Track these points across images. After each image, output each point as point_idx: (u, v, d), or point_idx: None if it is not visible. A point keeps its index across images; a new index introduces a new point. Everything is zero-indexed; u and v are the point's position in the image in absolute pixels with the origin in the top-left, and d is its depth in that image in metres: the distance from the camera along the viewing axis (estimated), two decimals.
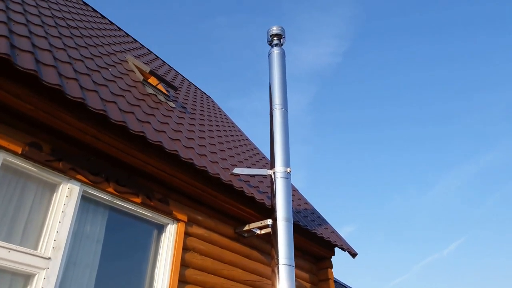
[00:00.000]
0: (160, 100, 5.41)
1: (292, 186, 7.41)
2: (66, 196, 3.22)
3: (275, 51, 5.67)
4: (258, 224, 4.69)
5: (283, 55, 5.70)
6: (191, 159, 4.08)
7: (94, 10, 7.68)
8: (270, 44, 5.84)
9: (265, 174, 4.86)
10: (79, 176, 3.33)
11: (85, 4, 7.55)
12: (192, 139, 4.92)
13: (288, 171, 4.74)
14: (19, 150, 3.00)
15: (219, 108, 9.81)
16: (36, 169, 3.11)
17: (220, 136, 6.60)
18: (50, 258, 2.97)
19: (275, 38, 5.80)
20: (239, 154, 6.47)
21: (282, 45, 5.82)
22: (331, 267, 6.08)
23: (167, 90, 6.38)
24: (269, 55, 5.73)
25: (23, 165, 3.05)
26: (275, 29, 5.83)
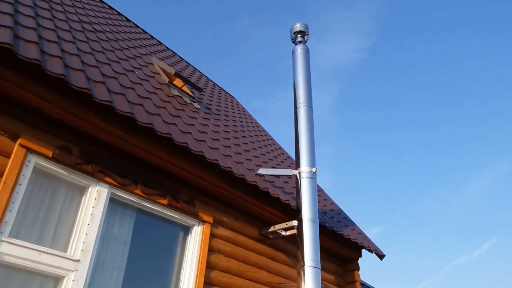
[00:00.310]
0: (185, 101, 5.44)
1: (318, 186, 7.33)
2: (95, 198, 3.27)
3: (299, 48, 5.61)
4: (284, 225, 4.65)
5: (307, 52, 5.63)
6: (216, 160, 4.08)
7: (119, 14, 7.79)
8: (293, 42, 5.78)
9: (290, 174, 4.81)
10: (107, 179, 3.37)
11: (110, 8, 7.67)
12: (217, 140, 4.93)
13: (314, 171, 4.68)
14: (50, 154, 3.06)
15: (243, 109, 9.81)
16: (66, 172, 3.16)
17: (245, 137, 6.59)
18: (79, 260, 3.02)
19: (299, 35, 5.73)
20: (263, 154, 6.45)
21: (306, 42, 5.75)
22: (358, 269, 5.98)
23: (192, 92, 6.41)
24: (293, 53, 5.67)
25: (54, 168, 3.11)
26: (298, 26, 5.76)
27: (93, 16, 5.74)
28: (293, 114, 5.20)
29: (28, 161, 2.96)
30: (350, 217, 6.85)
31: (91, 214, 3.20)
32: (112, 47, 4.95)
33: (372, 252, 6.11)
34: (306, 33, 5.76)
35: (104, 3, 7.59)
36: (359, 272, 5.98)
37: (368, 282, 9.34)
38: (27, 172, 2.94)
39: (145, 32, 8.25)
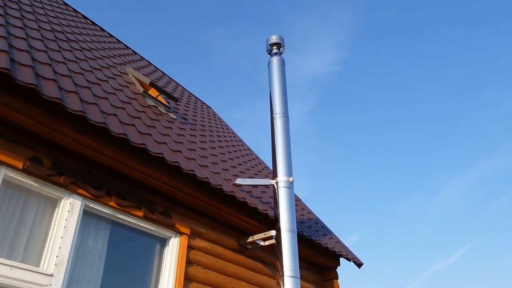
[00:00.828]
0: (160, 111, 5.39)
1: (295, 195, 7.34)
2: (68, 211, 3.17)
3: (275, 60, 5.66)
4: (262, 235, 4.63)
5: (282, 63, 5.68)
6: (192, 170, 4.04)
7: (93, 23, 7.69)
8: (269, 53, 5.83)
9: (268, 184, 4.81)
10: (80, 191, 3.29)
11: (84, 17, 7.57)
12: (194, 150, 4.89)
13: (291, 180, 4.69)
14: (20, 165, 2.96)
15: (219, 118, 9.79)
16: (37, 184, 3.07)
17: (222, 147, 6.57)
18: (52, 274, 2.92)
19: (275, 47, 5.79)
20: (241, 164, 6.43)
21: (281, 54, 5.80)
22: (337, 278, 6.00)
23: (167, 102, 6.36)
24: (268, 64, 5.71)
25: (24, 180, 3.01)
26: (274, 38, 5.82)
27: (66, 25, 5.65)
28: (270, 124, 5.22)
29: None
30: (328, 226, 6.89)
31: (64, 227, 3.10)
32: (86, 56, 4.87)
33: (350, 261, 6.14)
34: (282, 45, 5.83)
35: (78, 12, 7.48)
36: (338, 281, 5.99)
37: None
38: None
39: (119, 41, 8.17)
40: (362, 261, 6.23)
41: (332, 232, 6.65)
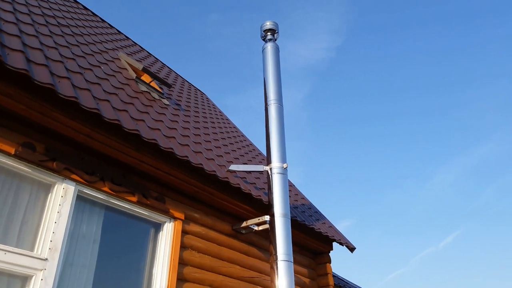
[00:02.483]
0: (153, 97, 5.37)
1: (289, 181, 7.39)
2: (61, 196, 3.18)
3: (269, 46, 5.64)
4: (256, 220, 4.67)
5: (277, 50, 5.66)
6: (186, 156, 4.04)
7: (85, 8, 7.60)
8: (263, 39, 5.81)
9: (262, 170, 4.84)
10: (73, 176, 3.29)
11: (76, 1, 7.47)
12: (187, 136, 4.89)
13: (285, 166, 4.72)
14: (12, 151, 2.95)
15: (213, 105, 9.76)
16: (30, 170, 3.06)
17: (216, 133, 6.57)
18: (47, 259, 2.94)
19: (269, 33, 5.77)
20: (235, 150, 6.44)
21: (276, 40, 5.78)
22: (330, 262, 6.08)
23: (160, 88, 6.33)
24: (263, 50, 5.69)
25: (17, 165, 3.00)
26: (268, 24, 5.79)
27: (57, 10, 5.57)
28: (264, 111, 5.22)
29: None
30: (321, 211, 6.95)
31: (58, 212, 3.11)
32: (78, 41, 4.82)
33: (343, 245, 6.22)
34: (276, 31, 5.80)
35: None
36: (331, 265, 6.08)
37: (340, 274, 9.50)
38: None
39: (111, 26, 8.08)
40: (355, 246, 6.31)
41: (325, 217, 6.72)
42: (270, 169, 4.71)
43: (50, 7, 5.46)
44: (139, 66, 5.62)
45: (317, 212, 6.75)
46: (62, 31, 4.70)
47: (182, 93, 7.83)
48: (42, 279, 2.86)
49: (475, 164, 36.08)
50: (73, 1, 7.34)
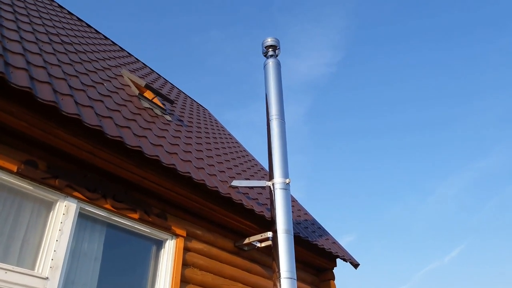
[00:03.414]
0: (156, 113, 5.38)
1: (292, 197, 7.35)
2: (63, 213, 3.16)
3: (271, 62, 5.67)
4: (258, 237, 4.63)
5: (278, 65, 5.70)
6: (188, 172, 4.03)
7: (88, 26, 7.68)
8: (265, 56, 5.85)
9: (264, 185, 4.82)
10: (75, 193, 3.28)
11: (79, 20, 7.56)
12: (190, 152, 4.88)
13: (287, 182, 4.70)
14: (15, 169, 2.95)
15: (215, 120, 9.79)
16: (32, 187, 3.06)
17: (218, 148, 6.57)
18: (47, 278, 2.91)
19: (270, 49, 5.81)
20: (237, 166, 6.43)
21: (277, 56, 5.82)
22: (334, 279, 6.00)
23: (163, 104, 6.35)
24: (264, 66, 5.72)
25: (19, 183, 3.00)
26: (269, 41, 5.84)
27: (60, 28, 5.63)
28: (266, 126, 5.23)
29: None
30: (324, 227, 6.90)
31: (60, 230, 3.09)
32: (80, 59, 4.86)
33: (346, 261, 6.15)
34: (277, 47, 5.85)
35: (73, 14, 7.47)
36: (335, 282, 6.00)
37: None
38: None
39: (114, 43, 8.16)
40: (359, 262, 6.24)
41: (329, 233, 6.66)
42: (273, 184, 4.69)
43: (54, 25, 5.52)
44: (142, 82, 5.65)
45: (320, 227, 6.70)
46: (65, 49, 4.75)
47: (184, 109, 7.85)
48: None
49: (476, 177, 35.92)
50: (76, 19, 7.43)
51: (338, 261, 6.20)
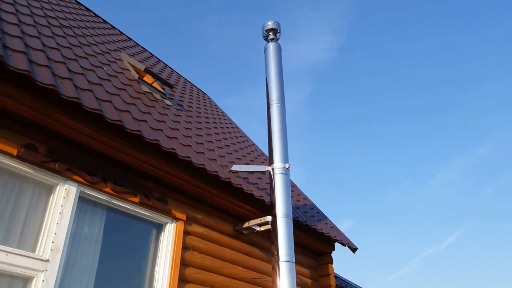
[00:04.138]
0: (156, 98, 5.37)
1: (291, 182, 7.38)
2: (63, 197, 3.18)
3: (271, 46, 5.63)
4: (258, 221, 4.67)
5: (279, 49, 5.65)
6: (188, 157, 4.04)
7: (87, 9, 7.61)
8: (265, 39, 5.80)
9: (264, 170, 4.83)
10: (76, 177, 3.29)
11: (78, 3, 7.48)
12: (190, 136, 4.89)
13: (287, 167, 4.71)
14: (14, 152, 2.96)
15: (216, 105, 9.76)
16: (32, 171, 3.07)
17: (218, 133, 6.57)
18: (48, 260, 2.94)
19: (271, 33, 5.75)
20: (237, 150, 6.44)
21: (278, 39, 5.77)
22: (332, 262, 6.07)
23: (162, 88, 6.33)
24: (265, 50, 5.68)
25: (19, 167, 3.01)
26: (270, 24, 5.78)
27: (59, 11, 5.58)
28: (266, 111, 5.21)
29: None
30: (323, 212, 6.94)
31: (60, 213, 3.11)
32: (80, 42, 4.83)
33: (345, 246, 6.21)
34: (278, 31, 5.79)
35: None
36: (333, 265, 6.06)
37: (342, 275, 9.49)
38: None
39: (114, 27, 8.09)
40: (357, 246, 6.30)
41: (327, 218, 6.71)
42: (272, 169, 4.70)
43: (52, 8, 5.47)
44: (141, 66, 5.62)
45: (319, 212, 6.74)
46: (64, 32, 4.71)
47: (184, 93, 7.83)
48: (43, 280, 2.87)
49: (474, 163, 36.01)
50: (75, 2, 7.35)
51: (337, 245, 6.26)
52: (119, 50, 6.35)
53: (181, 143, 4.30)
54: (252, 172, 5.45)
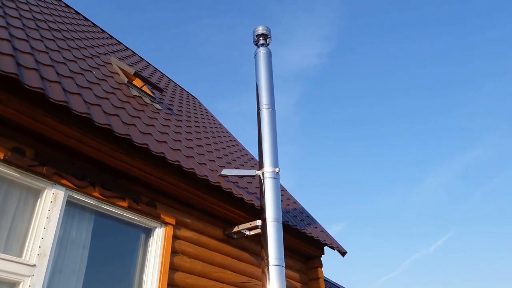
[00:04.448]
0: (145, 102, 5.36)
1: (281, 186, 7.39)
2: (51, 201, 3.15)
3: (261, 51, 5.66)
4: (248, 225, 4.67)
5: (269, 55, 5.68)
6: (178, 161, 4.04)
7: (77, 13, 7.57)
8: (256, 44, 5.82)
9: (254, 174, 4.84)
10: (63, 181, 3.27)
11: (67, 6, 7.44)
12: (179, 141, 4.88)
13: (277, 171, 4.73)
14: (1, 156, 2.93)
15: (206, 110, 9.76)
16: (19, 175, 3.04)
17: (208, 138, 6.56)
18: (35, 265, 2.91)
19: (261, 38, 5.78)
20: (227, 155, 6.44)
21: (268, 45, 5.80)
22: (321, 266, 6.08)
23: (152, 92, 6.31)
24: (255, 55, 5.71)
25: (6, 170, 2.98)
26: (260, 29, 5.81)
27: (48, 14, 5.55)
28: (256, 116, 5.23)
29: None
30: (313, 216, 6.96)
31: (47, 218, 3.08)
32: (69, 46, 4.80)
33: (334, 249, 6.23)
34: (269, 36, 5.82)
35: (61, 1, 7.35)
36: (322, 269, 6.08)
37: (332, 278, 9.51)
38: None
39: (103, 31, 8.06)
40: (346, 250, 6.33)
41: (317, 222, 6.73)
42: (262, 173, 4.71)
43: (41, 11, 5.43)
44: (131, 70, 5.60)
45: (308, 216, 6.76)
46: (53, 35, 4.68)
47: (174, 97, 7.82)
48: (30, 286, 2.83)
49: (464, 167, 36.41)
50: (64, 5, 7.31)
51: (326, 249, 6.28)
52: (109, 54, 6.32)
53: (170, 147, 4.29)
54: (242, 176, 5.45)
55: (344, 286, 9.13)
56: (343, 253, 6.32)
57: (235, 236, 4.84)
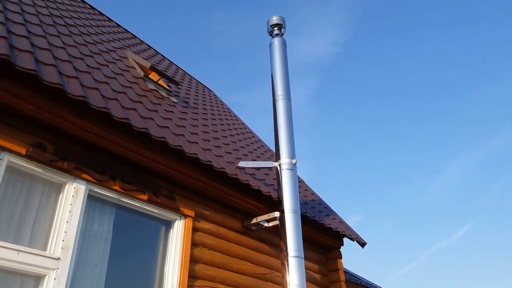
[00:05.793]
0: (162, 95, 5.37)
1: (298, 177, 7.36)
2: (72, 195, 3.20)
3: (276, 41, 5.61)
4: (266, 217, 4.66)
5: (284, 45, 5.63)
6: (195, 154, 4.04)
7: (92, 7, 7.62)
8: (270, 35, 5.77)
9: (271, 166, 4.82)
10: (84, 175, 3.31)
11: (83, 1, 7.49)
12: (196, 133, 4.89)
13: (294, 162, 4.70)
14: (23, 151, 2.97)
15: (221, 102, 9.76)
16: (41, 170, 3.08)
17: (224, 130, 6.56)
18: (59, 258, 2.96)
19: (276, 28, 5.73)
20: (243, 147, 6.43)
21: (282, 35, 5.75)
22: (341, 257, 6.06)
23: (168, 85, 6.33)
24: (270, 46, 5.66)
25: (28, 166, 3.03)
26: (275, 19, 5.75)
27: (64, 10, 5.59)
28: (272, 107, 5.20)
29: (0, 159, 2.87)
30: (331, 207, 6.93)
31: (69, 212, 3.13)
32: (85, 41, 4.84)
33: (353, 240, 6.19)
34: (283, 26, 5.76)
35: None
36: (342, 260, 6.05)
37: (351, 269, 9.48)
38: (0, 171, 2.85)
39: (119, 25, 8.10)
40: (366, 241, 6.28)
41: (335, 213, 6.69)
42: (279, 165, 4.69)
43: (58, 7, 5.48)
44: (147, 64, 5.62)
45: (327, 207, 6.73)
46: (69, 31, 4.72)
47: (190, 90, 7.83)
48: (55, 278, 2.89)
49: (484, 157, 35.75)
50: (80, 0, 7.36)
51: (345, 240, 6.24)
52: (124, 48, 6.35)
53: (187, 140, 4.30)
54: (259, 168, 5.44)
55: (364, 278, 9.09)
56: (362, 244, 6.28)
57: (253, 228, 4.84)
